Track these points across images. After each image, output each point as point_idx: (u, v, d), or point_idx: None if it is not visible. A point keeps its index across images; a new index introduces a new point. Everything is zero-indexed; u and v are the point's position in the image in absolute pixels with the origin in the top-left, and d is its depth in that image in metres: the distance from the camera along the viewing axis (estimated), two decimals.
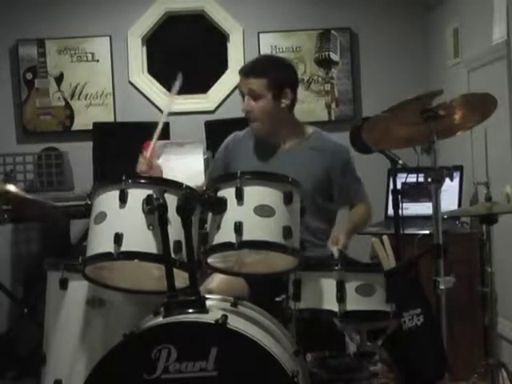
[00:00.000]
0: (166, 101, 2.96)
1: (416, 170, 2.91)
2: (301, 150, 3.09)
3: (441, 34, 4.76)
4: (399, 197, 3.03)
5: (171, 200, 2.26)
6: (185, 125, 4.91)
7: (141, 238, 2.28)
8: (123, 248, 2.25)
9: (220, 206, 2.30)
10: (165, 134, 4.53)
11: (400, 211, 2.99)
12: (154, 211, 2.24)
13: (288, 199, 2.31)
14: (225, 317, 2.15)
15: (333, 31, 5.08)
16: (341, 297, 2.39)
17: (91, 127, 4.86)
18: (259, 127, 3.08)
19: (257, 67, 3.10)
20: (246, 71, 3.09)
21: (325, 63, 5.09)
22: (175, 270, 2.26)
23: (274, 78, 3.03)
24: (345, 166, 3.10)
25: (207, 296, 2.41)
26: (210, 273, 2.84)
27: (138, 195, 2.28)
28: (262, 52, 4.99)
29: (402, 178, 3.10)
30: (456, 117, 2.85)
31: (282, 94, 3.05)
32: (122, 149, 4.53)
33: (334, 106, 5.10)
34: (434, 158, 2.78)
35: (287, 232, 2.28)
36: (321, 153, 3.07)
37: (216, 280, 2.80)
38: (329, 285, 2.42)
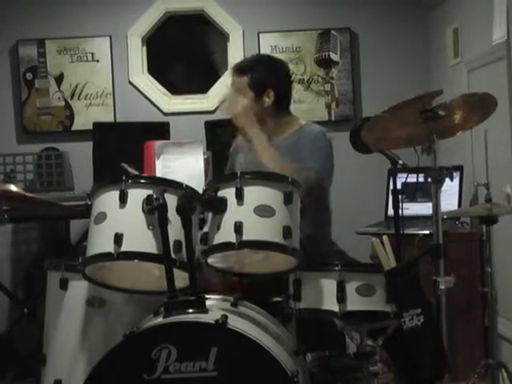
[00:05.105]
0: None
1: (416, 170, 2.90)
2: (287, 146, 3.06)
3: (441, 34, 4.76)
4: (399, 197, 3.03)
5: (171, 200, 2.26)
6: (185, 125, 4.92)
7: (141, 238, 2.28)
8: (123, 248, 2.25)
9: (220, 205, 2.31)
10: (165, 134, 4.56)
11: (400, 211, 2.99)
12: (154, 211, 2.24)
13: (288, 199, 2.32)
14: (225, 317, 2.15)
15: (333, 31, 5.08)
16: (341, 297, 2.39)
17: (91, 127, 4.86)
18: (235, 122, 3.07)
19: (240, 66, 3.15)
20: (232, 69, 3.16)
21: (325, 63, 5.09)
22: (175, 270, 2.26)
23: (254, 77, 3.07)
24: (311, 141, 3.05)
25: (207, 296, 2.41)
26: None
27: (137, 195, 2.28)
28: (262, 52, 4.99)
29: (402, 178, 3.10)
30: (456, 117, 2.84)
31: (264, 94, 3.07)
32: (121, 149, 4.53)
33: (334, 105, 5.10)
34: (434, 157, 2.77)
35: (287, 232, 2.29)
36: (300, 147, 3.05)
37: None
38: (329, 285, 2.42)
